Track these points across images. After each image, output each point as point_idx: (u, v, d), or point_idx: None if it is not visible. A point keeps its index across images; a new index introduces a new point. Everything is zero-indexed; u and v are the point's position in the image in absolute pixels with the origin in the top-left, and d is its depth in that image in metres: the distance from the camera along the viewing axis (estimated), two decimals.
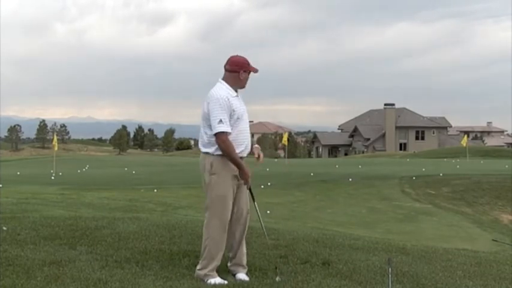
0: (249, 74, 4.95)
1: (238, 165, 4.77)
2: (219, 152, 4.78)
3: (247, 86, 5.03)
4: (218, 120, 4.69)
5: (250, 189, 4.99)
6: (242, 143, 4.88)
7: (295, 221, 13.76)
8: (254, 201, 5.01)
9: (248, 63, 4.92)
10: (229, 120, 4.75)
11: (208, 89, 4.97)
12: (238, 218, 5.02)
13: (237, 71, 4.88)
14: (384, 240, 8.55)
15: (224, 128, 4.69)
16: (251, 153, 5.10)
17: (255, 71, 4.98)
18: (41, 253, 5.47)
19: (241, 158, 4.88)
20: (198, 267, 4.89)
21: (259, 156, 5.04)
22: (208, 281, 4.73)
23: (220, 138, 4.70)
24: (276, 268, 5.00)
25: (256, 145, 5.18)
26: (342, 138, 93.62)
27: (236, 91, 4.95)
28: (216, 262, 4.85)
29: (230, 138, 4.77)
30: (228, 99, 4.78)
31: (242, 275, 4.98)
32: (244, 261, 5.10)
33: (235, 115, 4.80)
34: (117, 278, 4.65)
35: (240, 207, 5.01)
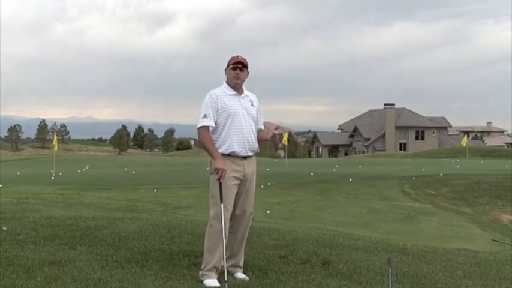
0: (235, 70, 4.93)
1: (213, 158, 4.82)
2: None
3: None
4: (203, 115, 4.88)
5: (220, 186, 4.81)
6: (236, 141, 4.89)
7: (295, 221, 13.76)
8: (221, 202, 4.80)
9: (232, 59, 4.97)
10: (217, 117, 4.87)
11: (209, 89, 5.05)
12: (240, 219, 5.02)
13: (226, 69, 5.02)
14: (384, 240, 8.55)
15: (206, 122, 4.86)
16: (270, 139, 5.16)
17: (234, 62, 4.94)
18: (41, 253, 5.47)
19: (244, 157, 4.92)
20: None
21: (277, 129, 5.21)
22: (204, 281, 4.73)
23: (200, 131, 4.89)
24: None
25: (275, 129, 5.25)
26: (342, 138, 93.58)
27: (238, 90, 4.99)
28: (214, 263, 4.82)
29: (222, 134, 4.87)
30: (218, 96, 4.92)
31: (241, 275, 4.99)
32: (242, 262, 5.11)
33: (225, 113, 4.88)
34: (117, 278, 4.65)
35: (242, 208, 5.00)
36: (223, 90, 4.98)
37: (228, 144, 4.88)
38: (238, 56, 4.98)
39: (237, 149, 4.89)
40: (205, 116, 4.87)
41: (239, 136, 4.91)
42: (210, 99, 4.91)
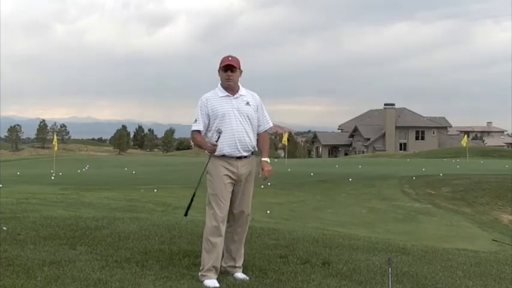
0: (226, 72, 4.90)
1: (206, 149, 4.93)
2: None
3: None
4: (194, 120, 5.01)
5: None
6: (227, 143, 4.88)
7: (295, 221, 13.76)
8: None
9: (222, 61, 4.94)
10: (209, 120, 4.94)
11: (208, 89, 5.06)
12: (238, 219, 5.01)
13: (218, 70, 5.02)
14: (384, 240, 8.54)
15: (195, 126, 5.00)
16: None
17: (223, 66, 4.92)
18: (41, 253, 5.47)
19: (238, 157, 4.90)
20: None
21: (262, 169, 5.06)
22: (204, 282, 4.73)
23: (192, 135, 5.05)
24: None
25: (265, 159, 5.13)
26: (342, 138, 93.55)
27: (231, 91, 4.96)
28: (212, 262, 4.80)
29: (215, 136, 4.90)
30: (208, 100, 4.97)
31: (241, 275, 4.99)
32: (240, 263, 5.10)
33: (214, 115, 4.92)
34: (117, 278, 4.65)
35: (240, 209, 5.00)
36: (216, 93, 4.99)
37: (219, 147, 4.88)
38: (228, 57, 4.93)
39: (228, 150, 4.89)
40: (195, 120, 4.99)
41: (229, 137, 4.89)
42: (200, 103, 4.99)
